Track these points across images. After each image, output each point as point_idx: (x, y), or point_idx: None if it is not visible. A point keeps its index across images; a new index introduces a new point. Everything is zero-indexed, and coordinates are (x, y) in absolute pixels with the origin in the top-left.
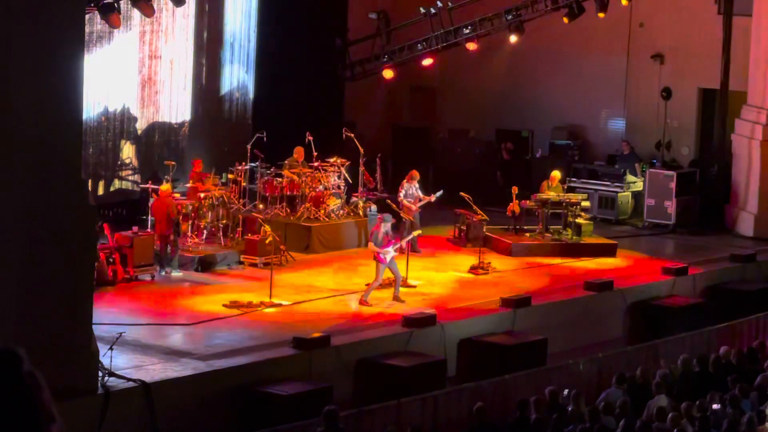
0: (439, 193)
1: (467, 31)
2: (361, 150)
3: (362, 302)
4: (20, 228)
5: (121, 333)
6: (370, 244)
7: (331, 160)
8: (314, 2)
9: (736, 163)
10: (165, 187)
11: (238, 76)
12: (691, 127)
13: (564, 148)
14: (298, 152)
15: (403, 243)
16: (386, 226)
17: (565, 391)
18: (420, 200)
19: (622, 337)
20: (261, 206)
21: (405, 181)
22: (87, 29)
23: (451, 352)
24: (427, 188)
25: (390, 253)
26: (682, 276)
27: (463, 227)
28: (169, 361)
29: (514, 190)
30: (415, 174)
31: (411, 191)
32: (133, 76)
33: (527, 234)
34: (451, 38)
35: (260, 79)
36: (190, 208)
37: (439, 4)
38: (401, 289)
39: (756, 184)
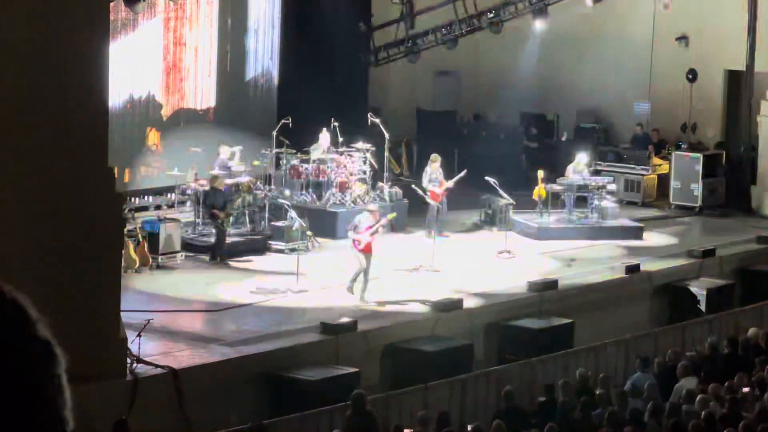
0: (461, 175)
1: (491, 15)
2: (386, 135)
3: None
4: (47, 215)
5: (149, 320)
6: (350, 231)
7: (357, 145)
8: None
9: (762, 144)
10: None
11: (262, 62)
12: (716, 109)
13: (589, 131)
14: (324, 138)
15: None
16: (366, 217)
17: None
18: (441, 184)
19: (649, 319)
20: (287, 192)
21: (428, 166)
22: (111, 17)
23: (478, 336)
24: (452, 173)
25: (363, 240)
26: (709, 258)
27: (489, 211)
28: (197, 347)
29: (540, 173)
30: (435, 157)
31: (435, 175)
32: (157, 63)
33: (553, 218)
34: (475, 23)
35: (285, 65)
36: None
37: None
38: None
39: None
